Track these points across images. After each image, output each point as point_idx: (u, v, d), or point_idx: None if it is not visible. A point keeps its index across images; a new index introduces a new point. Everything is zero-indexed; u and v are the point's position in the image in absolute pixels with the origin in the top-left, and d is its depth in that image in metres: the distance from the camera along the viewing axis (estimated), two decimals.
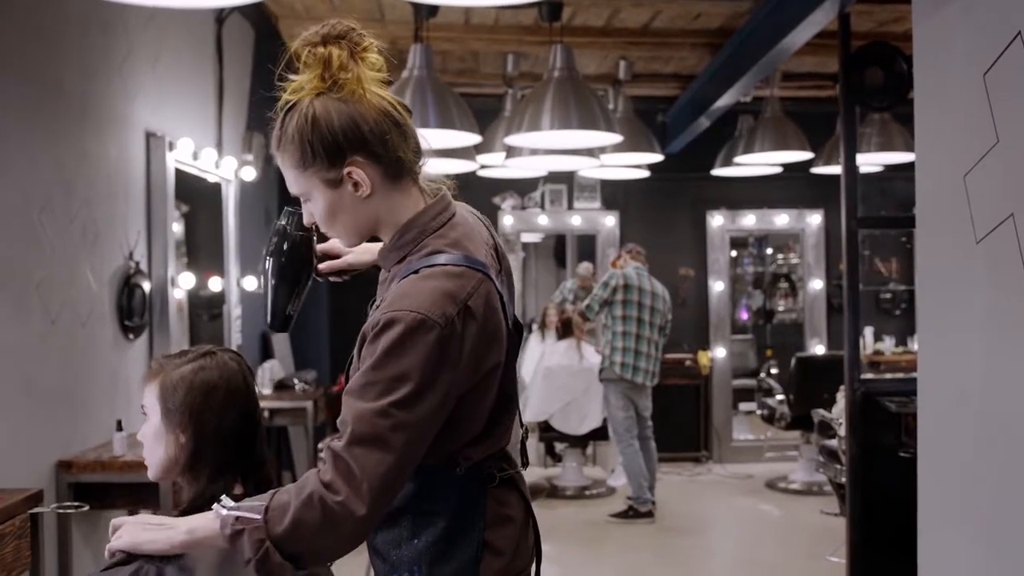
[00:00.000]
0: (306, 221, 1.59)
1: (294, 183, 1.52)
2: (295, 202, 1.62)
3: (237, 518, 1.38)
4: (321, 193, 1.50)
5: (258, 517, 1.37)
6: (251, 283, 5.33)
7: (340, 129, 1.46)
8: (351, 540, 1.39)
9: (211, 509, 1.47)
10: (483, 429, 1.55)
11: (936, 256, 2.56)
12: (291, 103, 1.50)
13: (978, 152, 2.23)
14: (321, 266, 1.80)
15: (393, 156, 1.51)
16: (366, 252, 1.80)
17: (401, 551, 1.55)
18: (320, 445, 1.39)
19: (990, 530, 2.23)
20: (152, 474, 1.77)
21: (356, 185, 1.49)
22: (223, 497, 1.44)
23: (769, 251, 9.14)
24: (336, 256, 1.83)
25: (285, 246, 1.71)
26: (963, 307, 2.37)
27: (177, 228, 4.70)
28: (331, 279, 1.84)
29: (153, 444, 1.75)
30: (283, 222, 1.71)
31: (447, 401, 1.43)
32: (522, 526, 1.64)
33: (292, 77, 1.49)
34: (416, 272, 1.46)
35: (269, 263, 1.72)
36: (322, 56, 1.47)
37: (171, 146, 4.18)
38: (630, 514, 6.01)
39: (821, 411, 4.75)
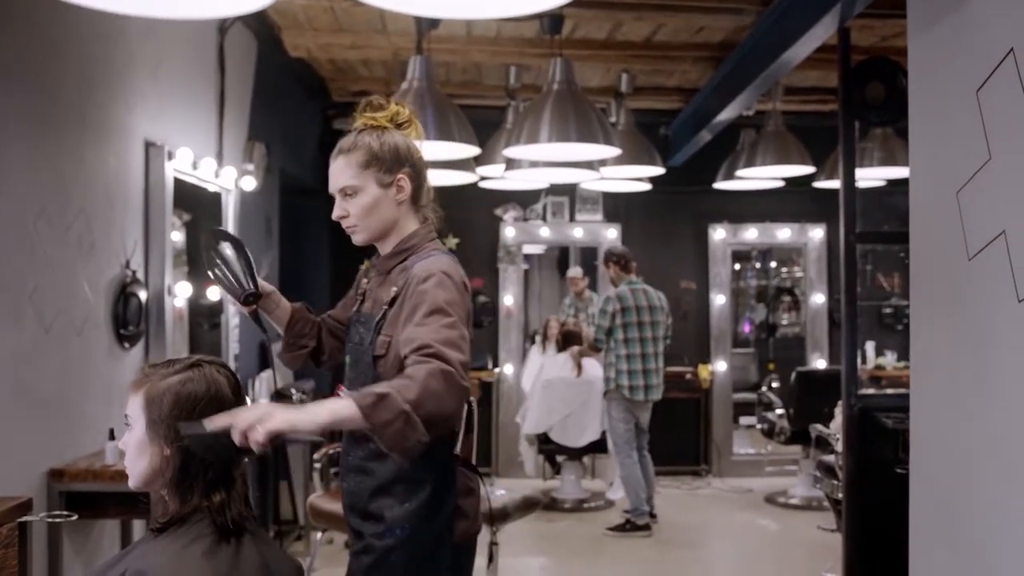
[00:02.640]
0: (336, 215, 2.08)
1: (352, 178, 2.05)
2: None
3: (375, 394, 1.71)
4: (372, 189, 2.06)
5: (390, 390, 1.72)
6: None
7: (403, 148, 2.10)
8: (459, 405, 1.81)
9: (198, 522, 1.65)
10: None
11: (929, 272, 2.55)
12: (366, 126, 2.10)
13: (971, 168, 2.23)
14: None
15: (423, 183, 2.14)
16: (273, 294, 2.23)
17: (394, 512, 1.98)
18: (410, 360, 1.83)
19: (981, 548, 2.21)
20: (133, 483, 1.77)
21: (399, 189, 2.08)
22: (341, 388, 1.96)
23: (773, 264, 9.11)
24: None
25: (233, 240, 2.12)
26: (955, 323, 2.36)
27: (179, 237, 4.70)
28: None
29: (136, 454, 1.74)
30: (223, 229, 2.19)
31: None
32: (479, 497, 2.16)
33: (369, 115, 2.11)
34: (428, 257, 2.05)
35: (229, 250, 2.08)
36: (394, 109, 2.12)
37: (170, 155, 4.18)
38: (627, 527, 5.99)
39: (819, 426, 4.72)
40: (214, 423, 1.64)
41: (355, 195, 2.06)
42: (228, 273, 2.07)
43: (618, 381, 6.05)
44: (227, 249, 2.08)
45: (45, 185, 3.25)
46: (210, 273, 2.09)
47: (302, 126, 7.21)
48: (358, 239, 2.11)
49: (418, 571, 2.00)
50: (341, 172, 2.06)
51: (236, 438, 1.64)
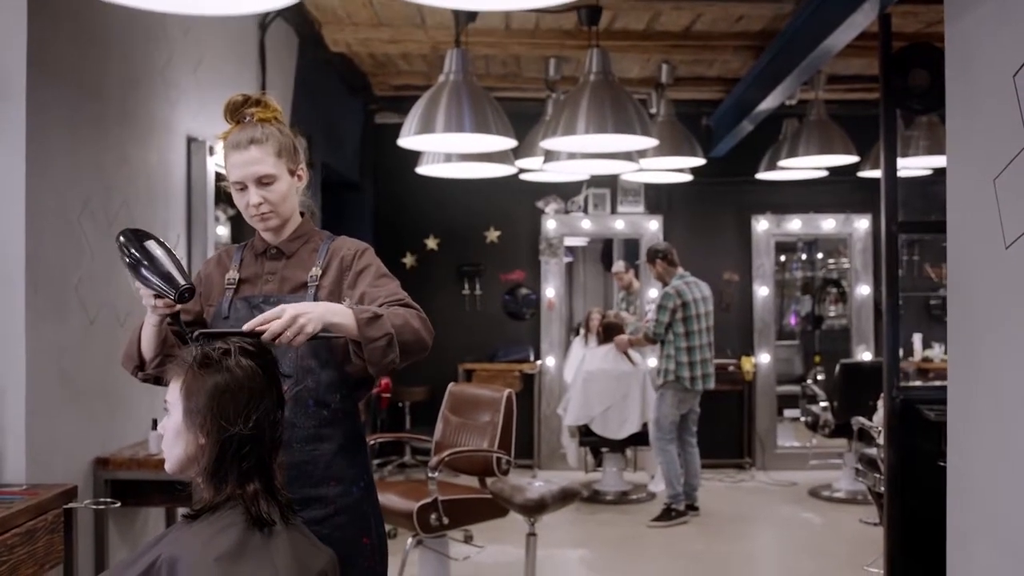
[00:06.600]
0: (255, 202, 2.13)
1: (271, 166, 2.13)
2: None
3: (372, 311, 1.95)
4: (285, 177, 2.17)
5: (383, 313, 1.96)
6: None
7: (296, 141, 2.23)
8: (427, 344, 2.05)
9: (231, 510, 1.69)
10: None
11: (966, 261, 2.51)
12: (264, 119, 2.19)
13: (1008, 155, 2.19)
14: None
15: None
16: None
17: (353, 469, 2.18)
18: (386, 306, 2.06)
19: (1021, 541, 2.17)
20: (169, 468, 1.80)
21: (299, 179, 2.22)
22: (346, 300, 2.07)
23: (819, 256, 9.01)
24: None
25: (156, 239, 1.97)
26: (993, 313, 2.32)
27: (223, 231, 4.77)
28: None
29: (173, 440, 1.78)
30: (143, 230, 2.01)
31: None
32: None
33: (259, 110, 2.19)
34: (337, 238, 2.25)
35: (158, 249, 1.94)
36: (275, 106, 2.22)
37: (212, 150, 4.24)
38: (673, 515, 6.01)
39: (861, 419, 4.67)
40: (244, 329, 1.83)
41: (272, 183, 2.13)
42: (157, 271, 1.90)
43: (679, 373, 6.12)
44: (155, 248, 1.93)
45: (89, 179, 3.32)
46: (135, 275, 1.94)
47: (344, 120, 7.27)
48: (272, 225, 2.17)
49: (375, 509, 2.23)
50: (259, 162, 2.12)
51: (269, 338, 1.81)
